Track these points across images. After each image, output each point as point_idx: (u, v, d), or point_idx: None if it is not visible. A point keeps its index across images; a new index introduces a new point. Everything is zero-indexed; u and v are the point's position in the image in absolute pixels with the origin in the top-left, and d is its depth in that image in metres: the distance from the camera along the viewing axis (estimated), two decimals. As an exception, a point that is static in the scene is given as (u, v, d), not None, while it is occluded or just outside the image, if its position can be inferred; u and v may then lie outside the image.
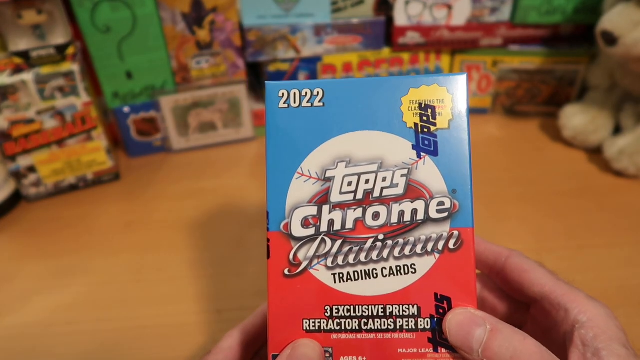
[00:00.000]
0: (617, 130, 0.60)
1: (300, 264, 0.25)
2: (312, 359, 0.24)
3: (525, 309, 0.30)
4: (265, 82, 0.26)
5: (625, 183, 0.56)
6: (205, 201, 0.56)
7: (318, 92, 0.25)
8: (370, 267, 0.25)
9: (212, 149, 0.65)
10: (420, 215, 0.25)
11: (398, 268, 0.25)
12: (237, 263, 0.48)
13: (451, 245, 0.25)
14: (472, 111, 0.70)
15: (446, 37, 0.62)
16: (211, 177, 0.60)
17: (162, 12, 0.56)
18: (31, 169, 0.55)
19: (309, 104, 0.25)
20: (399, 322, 0.25)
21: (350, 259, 0.25)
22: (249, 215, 0.54)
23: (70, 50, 0.52)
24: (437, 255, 0.25)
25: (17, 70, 0.51)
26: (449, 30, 0.62)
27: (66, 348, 0.40)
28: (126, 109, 0.61)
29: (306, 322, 0.25)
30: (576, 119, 0.60)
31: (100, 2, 0.53)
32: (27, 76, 0.50)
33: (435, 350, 0.25)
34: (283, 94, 0.26)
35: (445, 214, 0.25)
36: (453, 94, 0.25)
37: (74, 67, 0.51)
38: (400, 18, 0.61)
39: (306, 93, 0.25)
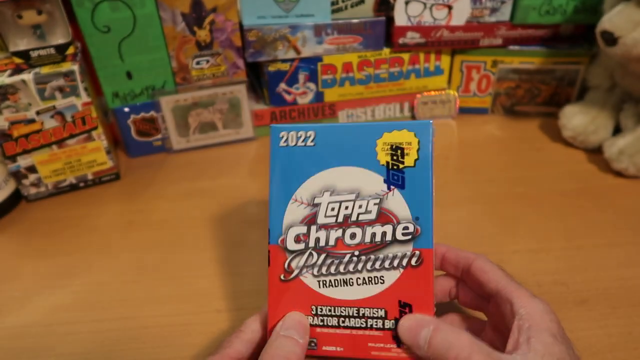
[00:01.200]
0: (617, 130, 0.60)
1: (292, 271, 0.31)
2: (300, 321, 0.31)
3: (487, 304, 0.34)
4: (271, 125, 0.32)
5: (625, 183, 0.56)
6: (205, 201, 0.56)
7: (310, 135, 0.32)
8: (348, 276, 0.31)
9: (212, 149, 0.65)
10: (389, 237, 0.30)
11: (369, 278, 0.31)
12: (237, 263, 0.48)
13: (413, 262, 0.30)
14: (472, 111, 0.70)
15: (446, 37, 0.62)
16: (211, 177, 0.60)
17: (162, 12, 0.56)
18: (31, 169, 0.55)
19: (303, 144, 0.32)
20: (370, 322, 0.31)
21: (332, 269, 0.31)
22: (249, 215, 0.54)
23: (70, 50, 0.52)
24: (402, 270, 0.30)
25: (17, 70, 0.51)
26: (449, 30, 0.62)
27: (66, 348, 0.40)
28: (126, 109, 0.61)
29: None
30: (576, 119, 0.60)
31: (100, 2, 0.53)
32: (27, 76, 0.50)
33: (399, 346, 0.31)
34: (283, 135, 0.32)
35: (409, 237, 0.30)
36: (420, 138, 0.30)
37: (74, 67, 0.51)
38: (400, 18, 0.61)
39: (301, 135, 0.32)
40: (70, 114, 0.53)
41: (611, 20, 0.51)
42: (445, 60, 0.66)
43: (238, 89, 0.62)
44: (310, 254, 0.31)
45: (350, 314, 0.31)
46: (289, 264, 0.31)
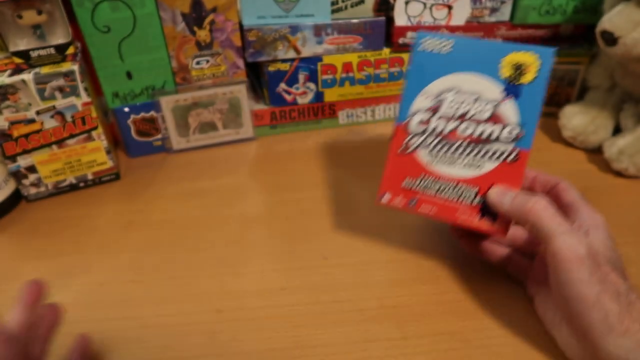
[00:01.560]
0: (617, 130, 0.60)
1: (410, 147, 0.39)
2: None
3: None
4: (417, 32, 0.39)
5: (625, 183, 0.56)
6: (205, 201, 0.56)
7: (448, 44, 0.38)
8: (454, 159, 0.38)
9: (212, 149, 0.65)
10: (495, 135, 0.37)
11: (472, 164, 0.38)
12: (237, 263, 0.48)
13: (510, 158, 0.37)
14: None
15: (446, 37, 0.62)
16: (211, 177, 0.60)
17: (162, 12, 0.56)
18: (31, 169, 0.55)
19: (439, 51, 0.38)
20: (462, 196, 0.38)
21: (442, 151, 0.38)
22: (249, 215, 0.54)
23: (70, 50, 0.52)
24: (499, 163, 0.37)
25: (17, 70, 0.51)
26: (449, 30, 0.62)
27: (66, 348, 0.40)
28: (126, 109, 0.61)
29: (406, 181, 0.40)
30: (576, 119, 0.60)
31: (100, 2, 0.53)
32: (27, 76, 0.50)
33: (481, 218, 0.38)
34: (424, 41, 0.39)
35: (513, 138, 0.37)
36: (541, 61, 0.36)
37: (74, 67, 0.51)
38: (400, 18, 0.61)
39: (439, 43, 0.38)
40: (70, 114, 0.54)
41: (611, 20, 0.51)
42: (445, 60, 0.66)
43: (238, 89, 0.62)
44: (428, 136, 0.38)
45: (449, 187, 0.38)
46: (408, 141, 0.39)
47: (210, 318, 0.42)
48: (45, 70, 0.51)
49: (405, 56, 0.64)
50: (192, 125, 0.64)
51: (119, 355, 0.39)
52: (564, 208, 0.39)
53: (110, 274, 0.47)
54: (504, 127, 0.37)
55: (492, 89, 0.37)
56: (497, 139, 0.37)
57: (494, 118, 0.37)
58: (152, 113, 0.62)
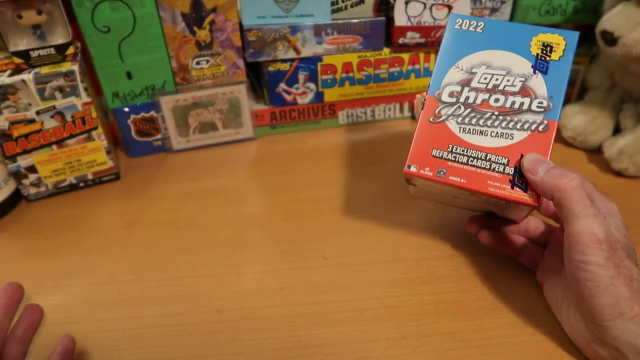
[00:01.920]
0: (617, 130, 0.60)
1: (441, 117, 0.39)
2: None
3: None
4: (451, 14, 0.42)
5: (625, 183, 0.56)
6: (205, 201, 0.56)
7: (480, 24, 0.40)
8: (485, 129, 0.38)
9: (212, 149, 0.65)
10: (525, 106, 0.38)
11: (502, 133, 0.38)
12: (237, 263, 0.48)
13: (540, 128, 0.38)
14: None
15: (446, 37, 0.62)
16: (211, 177, 0.60)
17: (162, 12, 0.56)
18: (31, 169, 0.55)
19: (473, 29, 0.40)
20: (493, 165, 0.38)
21: (473, 121, 0.39)
22: (249, 215, 0.54)
23: (70, 50, 0.52)
24: (530, 133, 0.38)
25: (17, 70, 0.51)
26: (449, 30, 0.62)
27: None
28: (126, 109, 0.61)
29: (435, 151, 0.39)
30: (576, 119, 0.60)
31: (100, 2, 0.53)
32: (27, 76, 0.50)
33: (512, 188, 0.37)
34: (459, 21, 0.41)
35: (542, 109, 0.38)
36: (567, 42, 0.39)
37: (74, 67, 0.51)
38: (400, 18, 0.61)
39: (473, 23, 0.41)
40: (70, 114, 0.54)
41: (611, 20, 0.51)
42: (445, 60, 0.66)
43: (238, 89, 0.62)
44: (459, 106, 0.39)
45: (479, 156, 0.38)
46: (439, 111, 0.39)
47: (210, 318, 0.42)
48: (45, 70, 0.51)
49: (405, 56, 0.64)
50: (192, 125, 0.64)
51: (118, 355, 0.39)
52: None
53: (110, 274, 0.47)
54: (533, 99, 0.38)
55: (522, 65, 0.39)
56: (528, 110, 0.38)
57: (523, 91, 0.38)
58: (152, 113, 0.62)
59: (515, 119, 0.38)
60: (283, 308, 0.43)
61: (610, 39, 0.51)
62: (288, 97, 0.65)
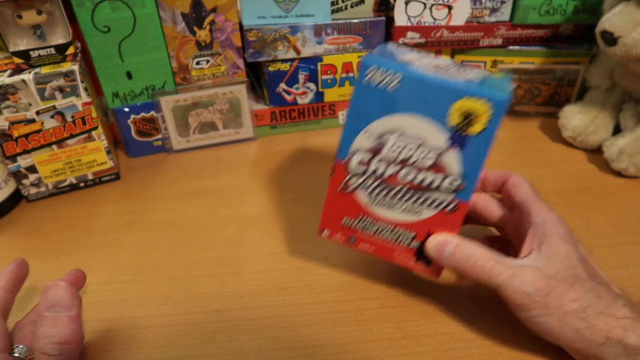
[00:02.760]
0: (617, 130, 0.60)
1: (349, 187, 0.37)
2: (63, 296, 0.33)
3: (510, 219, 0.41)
4: (363, 57, 0.34)
5: (625, 183, 0.56)
6: (205, 201, 0.56)
7: (396, 77, 0.33)
8: (393, 202, 0.37)
9: (212, 149, 0.65)
10: (436, 184, 0.35)
11: (410, 209, 0.36)
12: (237, 263, 0.48)
13: (449, 208, 0.36)
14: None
15: (446, 37, 0.62)
16: (211, 177, 0.60)
17: (162, 12, 0.56)
18: (31, 169, 0.55)
19: (385, 86, 0.34)
20: (400, 239, 0.38)
21: (382, 194, 0.37)
22: (249, 215, 0.54)
23: (70, 50, 0.52)
24: (438, 211, 0.36)
25: (17, 70, 0.51)
26: (449, 30, 0.62)
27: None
28: (126, 109, 0.61)
29: (345, 219, 0.39)
30: (576, 119, 0.60)
31: (100, 2, 0.53)
32: (27, 76, 0.50)
33: (416, 260, 0.39)
34: (369, 73, 0.34)
35: (453, 189, 0.35)
36: (493, 111, 0.32)
37: (74, 67, 0.51)
38: (400, 18, 0.61)
39: (386, 77, 0.34)
40: (70, 114, 0.54)
41: (611, 20, 0.51)
42: (445, 60, 0.66)
43: (238, 89, 0.62)
44: (368, 177, 0.37)
45: (387, 229, 0.38)
46: (347, 181, 0.37)
47: (210, 318, 0.42)
48: (45, 70, 0.51)
49: (405, 56, 0.64)
50: (192, 125, 0.64)
51: (119, 355, 0.39)
52: (515, 209, 0.40)
53: (110, 274, 0.47)
54: (445, 177, 0.35)
55: (437, 136, 0.34)
56: (437, 188, 0.35)
57: (436, 167, 0.35)
58: (152, 113, 0.62)
59: (424, 196, 0.36)
60: (283, 308, 0.43)
61: (610, 39, 0.51)
62: (288, 97, 0.65)
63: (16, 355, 0.32)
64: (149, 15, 0.55)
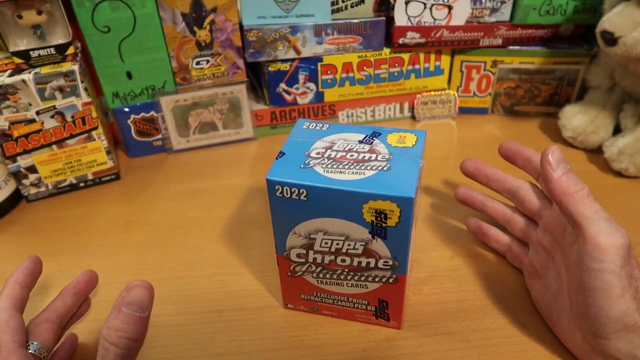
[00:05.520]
0: (617, 130, 0.60)
1: (297, 273, 0.40)
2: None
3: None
4: (267, 178, 0.34)
5: (625, 183, 0.56)
6: (205, 201, 0.56)
7: (302, 192, 0.34)
8: (340, 281, 0.39)
9: (212, 149, 0.65)
10: (372, 265, 0.37)
11: (356, 284, 0.39)
12: (237, 263, 0.48)
13: (390, 281, 0.37)
14: (472, 111, 0.70)
15: (446, 37, 0.62)
16: (211, 177, 0.60)
17: (162, 12, 0.56)
18: (31, 169, 0.55)
19: (297, 197, 0.34)
20: (356, 305, 0.40)
21: (327, 276, 0.39)
22: (249, 215, 0.54)
23: (70, 50, 0.52)
24: (382, 284, 0.38)
25: (17, 70, 0.51)
26: (449, 30, 0.62)
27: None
28: (126, 109, 0.61)
29: (302, 295, 0.41)
30: (576, 119, 0.60)
31: (100, 2, 0.53)
32: (27, 76, 0.50)
33: (376, 319, 0.41)
34: (278, 188, 0.34)
35: (389, 267, 0.36)
36: (401, 209, 0.33)
37: (74, 67, 0.51)
38: (400, 18, 0.61)
39: (294, 191, 0.34)
40: (70, 114, 0.54)
41: (611, 20, 0.51)
42: (445, 61, 0.66)
43: (238, 89, 0.62)
44: (310, 265, 0.38)
45: (342, 299, 0.40)
46: (293, 269, 0.39)
47: (210, 318, 0.42)
48: (45, 70, 0.51)
49: (405, 56, 0.64)
50: (192, 125, 0.64)
51: (119, 355, 0.39)
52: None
53: (110, 274, 0.47)
54: (378, 259, 0.36)
55: (359, 231, 0.35)
56: (374, 268, 0.37)
57: (367, 253, 0.36)
58: (152, 113, 0.62)
59: (366, 274, 0.37)
60: (283, 308, 0.43)
61: (611, 39, 0.51)
62: (288, 97, 0.65)
63: (31, 352, 0.33)
64: (149, 15, 0.55)
